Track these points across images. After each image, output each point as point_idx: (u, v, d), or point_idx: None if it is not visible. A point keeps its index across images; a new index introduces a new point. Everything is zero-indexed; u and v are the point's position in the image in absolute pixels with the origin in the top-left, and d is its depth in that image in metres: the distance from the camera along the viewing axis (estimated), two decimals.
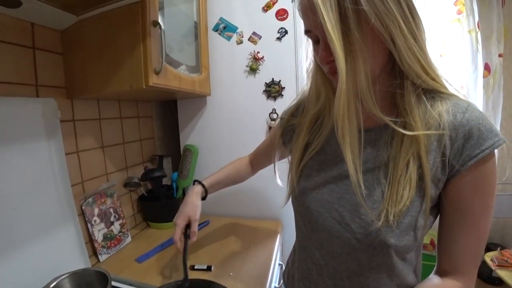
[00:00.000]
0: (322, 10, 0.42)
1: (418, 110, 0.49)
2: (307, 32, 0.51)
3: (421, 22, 0.49)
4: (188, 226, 0.81)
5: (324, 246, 0.58)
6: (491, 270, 1.63)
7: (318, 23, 0.43)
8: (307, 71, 0.62)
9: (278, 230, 1.17)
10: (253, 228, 1.18)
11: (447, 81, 0.52)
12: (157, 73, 0.77)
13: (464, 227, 0.49)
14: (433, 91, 0.51)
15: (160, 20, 0.79)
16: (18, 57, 0.74)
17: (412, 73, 0.48)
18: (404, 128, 0.49)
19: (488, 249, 1.89)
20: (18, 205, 0.70)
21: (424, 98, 0.50)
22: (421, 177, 0.48)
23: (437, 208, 0.52)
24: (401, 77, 0.50)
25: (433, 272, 0.55)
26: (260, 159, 0.91)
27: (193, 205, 0.82)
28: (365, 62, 0.45)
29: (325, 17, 0.42)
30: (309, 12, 0.46)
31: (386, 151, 0.51)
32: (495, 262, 1.65)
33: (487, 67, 2.06)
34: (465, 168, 0.46)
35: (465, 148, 0.46)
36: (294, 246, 0.73)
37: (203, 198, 0.87)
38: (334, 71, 0.47)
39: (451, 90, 0.52)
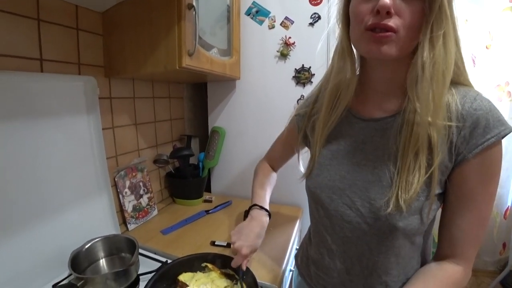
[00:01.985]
0: None
1: (428, 98, 0.49)
2: None
3: None
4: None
5: (336, 231, 0.60)
6: None
7: None
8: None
9: (298, 216, 1.19)
10: (274, 212, 1.19)
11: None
12: (190, 55, 0.79)
13: (467, 212, 0.51)
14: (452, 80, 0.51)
15: (194, 3, 0.81)
16: (64, 37, 0.79)
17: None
18: (414, 115, 0.50)
19: None
20: (60, 174, 0.77)
21: None
22: (429, 164, 0.49)
23: (443, 193, 0.53)
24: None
25: (432, 258, 0.58)
26: (279, 163, 0.92)
27: (261, 237, 0.73)
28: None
29: None
30: None
31: (395, 140, 0.53)
32: None
33: None
34: (471, 155, 0.48)
35: (472, 136, 0.48)
36: (308, 230, 0.76)
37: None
38: (383, 26, 0.47)
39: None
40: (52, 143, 0.75)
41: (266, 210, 0.78)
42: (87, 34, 0.86)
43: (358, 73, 0.61)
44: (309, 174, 0.66)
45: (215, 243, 0.94)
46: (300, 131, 0.74)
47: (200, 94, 1.50)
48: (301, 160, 0.80)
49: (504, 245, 2.14)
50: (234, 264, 0.69)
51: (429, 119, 0.48)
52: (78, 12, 0.82)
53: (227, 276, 0.74)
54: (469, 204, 0.51)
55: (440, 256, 0.56)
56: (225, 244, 0.93)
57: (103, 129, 0.91)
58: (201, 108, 1.51)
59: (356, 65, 0.60)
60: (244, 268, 0.69)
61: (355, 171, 0.58)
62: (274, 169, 0.93)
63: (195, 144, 1.41)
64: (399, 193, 0.50)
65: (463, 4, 1.89)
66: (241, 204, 1.27)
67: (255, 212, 0.77)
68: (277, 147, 0.89)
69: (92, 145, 0.87)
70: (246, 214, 0.79)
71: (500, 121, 0.47)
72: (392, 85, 0.55)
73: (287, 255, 0.92)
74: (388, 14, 0.46)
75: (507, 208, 2.08)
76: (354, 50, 0.58)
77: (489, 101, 0.49)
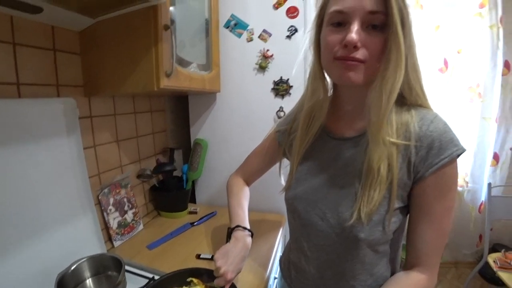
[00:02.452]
0: (393, 2, 0.48)
1: (377, 117, 0.54)
2: (340, 12, 0.52)
3: None
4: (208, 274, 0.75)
5: (311, 239, 0.66)
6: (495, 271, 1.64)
7: (375, 8, 0.49)
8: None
9: (282, 223, 1.22)
10: (258, 220, 1.24)
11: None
12: (168, 75, 0.81)
13: (428, 225, 0.56)
14: (411, 103, 0.57)
15: (170, 23, 0.82)
16: (41, 59, 0.79)
17: (407, 88, 0.55)
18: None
19: (494, 249, 1.89)
20: (42, 196, 0.77)
21: (396, 109, 0.56)
22: (390, 181, 0.54)
23: (407, 207, 0.59)
24: None
25: (402, 266, 0.63)
26: (254, 176, 0.94)
27: (245, 261, 0.75)
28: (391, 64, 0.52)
29: (395, 10, 0.49)
30: None
31: (362, 157, 0.57)
32: (497, 264, 1.65)
33: (507, 65, 2.00)
34: (427, 173, 0.53)
35: (428, 156, 0.53)
36: (290, 236, 0.80)
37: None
38: (351, 58, 0.52)
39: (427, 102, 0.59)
40: (34, 166, 0.75)
41: (249, 230, 0.80)
42: (65, 55, 0.86)
43: (331, 94, 0.67)
44: (288, 187, 0.71)
45: (200, 256, 0.96)
46: (281, 146, 0.80)
47: (181, 105, 1.51)
48: (282, 175, 0.83)
49: (480, 237, 2.26)
50: (217, 285, 0.70)
51: (378, 136, 0.53)
52: (55, 33, 0.82)
53: None
54: (429, 218, 0.56)
55: (408, 265, 0.60)
56: (210, 257, 0.95)
57: (84, 148, 0.91)
58: (183, 119, 1.52)
59: (329, 86, 0.65)
60: None
61: (327, 185, 0.63)
62: (248, 183, 0.95)
63: (178, 156, 1.42)
64: (361, 207, 0.55)
65: (436, 10, 1.99)
66: (225, 214, 1.27)
67: (239, 233, 0.78)
68: (254, 160, 0.92)
69: (74, 165, 0.87)
70: (229, 234, 0.80)
71: (453, 142, 0.52)
72: (360, 106, 0.59)
73: (271, 262, 0.95)
74: (355, 48, 0.51)
75: (481, 202, 2.19)
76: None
77: (444, 124, 0.54)
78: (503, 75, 1.99)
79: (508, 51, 1.97)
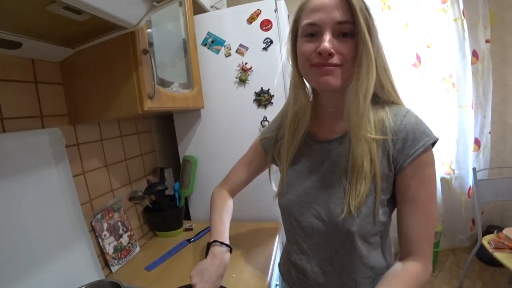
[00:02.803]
0: (359, 12, 0.53)
1: (356, 116, 0.58)
2: (313, 25, 0.57)
3: None
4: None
5: (309, 238, 0.69)
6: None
7: (343, 19, 0.55)
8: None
9: (278, 230, 1.23)
10: (253, 230, 1.25)
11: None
12: (151, 97, 0.83)
13: (414, 213, 0.59)
14: (384, 101, 0.62)
15: (149, 46, 0.85)
16: (22, 93, 0.80)
17: (379, 87, 0.60)
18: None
19: (488, 232, 1.94)
20: (34, 228, 0.77)
21: (372, 107, 0.60)
22: (374, 174, 0.58)
23: (393, 199, 0.63)
24: None
25: (397, 259, 0.65)
26: (240, 187, 0.93)
27: (222, 278, 0.73)
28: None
29: (361, 19, 0.54)
30: (335, 9, 0.55)
31: (346, 156, 0.62)
32: (492, 245, 1.70)
33: (475, 54, 2.10)
34: (406, 164, 0.57)
35: (404, 148, 0.57)
36: (287, 239, 0.82)
37: None
38: (328, 64, 0.56)
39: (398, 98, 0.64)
40: (24, 199, 0.76)
41: (226, 245, 0.77)
42: (47, 86, 0.87)
43: (311, 99, 0.71)
44: (280, 193, 0.75)
45: None
46: (268, 153, 0.83)
47: (167, 124, 1.53)
48: (273, 181, 0.85)
49: (473, 221, 2.31)
50: None
51: (359, 133, 0.58)
52: (35, 65, 0.84)
53: None
54: (414, 206, 0.59)
55: (402, 256, 0.63)
56: None
57: (73, 176, 0.91)
58: (170, 138, 1.54)
59: (309, 92, 0.70)
60: None
61: (317, 187, 0.67)
62: (233, 194, 0.93)
63: (168, 175, 1.43)
64: (350, 200, 0.59)
65: (403, 10, 2.09)
66: None
67: (216, 249, 0.75)
68: (239, 171, 0.91)
69: (65, 194, 0.87)
70: (207, 249, 0.77)
71: (425, 133, 0.57)
72: (340, 109, 0.62)
73: (270, 270, 0.96)
74: (330, 55, 0.55)
75: (469, 187, 2.26)
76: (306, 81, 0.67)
77: (416, 117, 0.59)
78: (472, 64, 2.09)
79: (474, 41, 2.08)
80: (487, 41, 2.07)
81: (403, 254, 0.63)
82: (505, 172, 2.15)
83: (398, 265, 0.62)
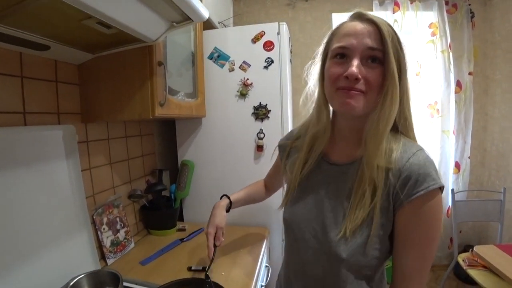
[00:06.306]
0: (389, 42, 0.55)
1: (373, 145, 0.58)
2: (343, 48, 0.58)
3: None
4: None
5: (300, 253, 0.70)
6: None
7: (373, 45, 0.56)
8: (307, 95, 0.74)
9: (265, 235, 1.31)
10: (243, 234, 1.33)
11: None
12: (161, 105, 0.92)
13: (408, 251, 0.58)
14: (400, 132, 0.62)
15: (163, 59, 0.94)
16: (44, 90, 0.88)
17: (398, 119, 0.61)
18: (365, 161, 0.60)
19: (465, 251, 2.05)
20: (42, 216, 0.83)
21: (387, 136, 0.59)
22: (374, 204, 0.57)
23: (389, 237, 0.61)
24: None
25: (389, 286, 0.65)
26: (270, 183, 1.09)
27: (220, 216, 0.98)
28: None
29: (390, 48, 0.55)
30: (367, 36, 0.57)
31: (352, 181, 0.62)
32: (466, 263, 1.80)
33: (458, 84, 2.26)
34: (405, 203, 0.56)
35: (406, 186, 0.55)
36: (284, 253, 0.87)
37: (227, 210, 1.02)
38: (353, 88, 0.57)
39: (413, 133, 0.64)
40: (35, 189, 0.81)
41: (227, 197, 1.02)
42: (65, 85, 0.95)
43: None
44: (285, 205, 0.77)
45: (192, 268, 1.03)
46: (282, 160, 0.85)
47: (169, 129, 1.61)
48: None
49: (451, 239, 2.42)
50: (208, 244, 0.94)
51: (373, 161, 0.57)
52: (57, 66, 0.91)
53: None
54: (410, 245, 0.58)
55: (394, 284, 0.62)
56: (200, 268, 1.03)
57: (81, 170, 0.98)
58: (170, 142, 1.62)
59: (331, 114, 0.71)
60: (218, 244, 0.95)
61: (319, 206, 0.67)
62: (267, 185, 1.10)
63: (166, 177, 1.50)
64: (348, 223, 0.59)
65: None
66: None
67: (220, 201, 1.01)
68: (270, 170, 1.06)
69: (73, 187, 0.94)
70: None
71: (430, 176, 0.54)
72: (357, 135, 0.64)
73: (257, 271, 1.04)
74: (357, 80, 0.56)
75: (448, 207, 2.38)
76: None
77: (425, 158, 0.57)
78: (456, 93, 2.25)
79: (459, 72, 2.25)
80: (470, 73, 2.24)
81: (394, 283, 0.62)
82: (483, 195, 2.29)
83: None
